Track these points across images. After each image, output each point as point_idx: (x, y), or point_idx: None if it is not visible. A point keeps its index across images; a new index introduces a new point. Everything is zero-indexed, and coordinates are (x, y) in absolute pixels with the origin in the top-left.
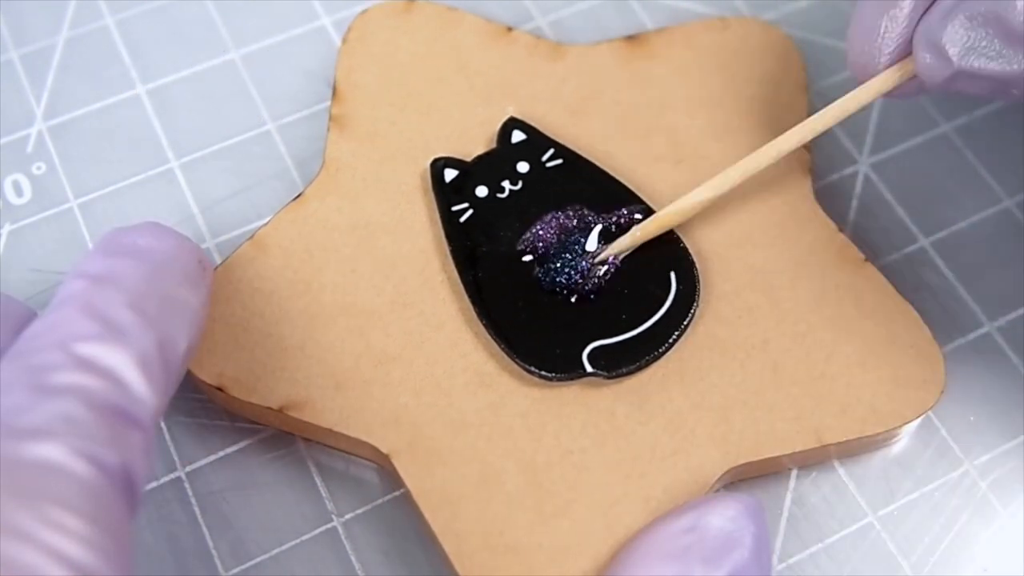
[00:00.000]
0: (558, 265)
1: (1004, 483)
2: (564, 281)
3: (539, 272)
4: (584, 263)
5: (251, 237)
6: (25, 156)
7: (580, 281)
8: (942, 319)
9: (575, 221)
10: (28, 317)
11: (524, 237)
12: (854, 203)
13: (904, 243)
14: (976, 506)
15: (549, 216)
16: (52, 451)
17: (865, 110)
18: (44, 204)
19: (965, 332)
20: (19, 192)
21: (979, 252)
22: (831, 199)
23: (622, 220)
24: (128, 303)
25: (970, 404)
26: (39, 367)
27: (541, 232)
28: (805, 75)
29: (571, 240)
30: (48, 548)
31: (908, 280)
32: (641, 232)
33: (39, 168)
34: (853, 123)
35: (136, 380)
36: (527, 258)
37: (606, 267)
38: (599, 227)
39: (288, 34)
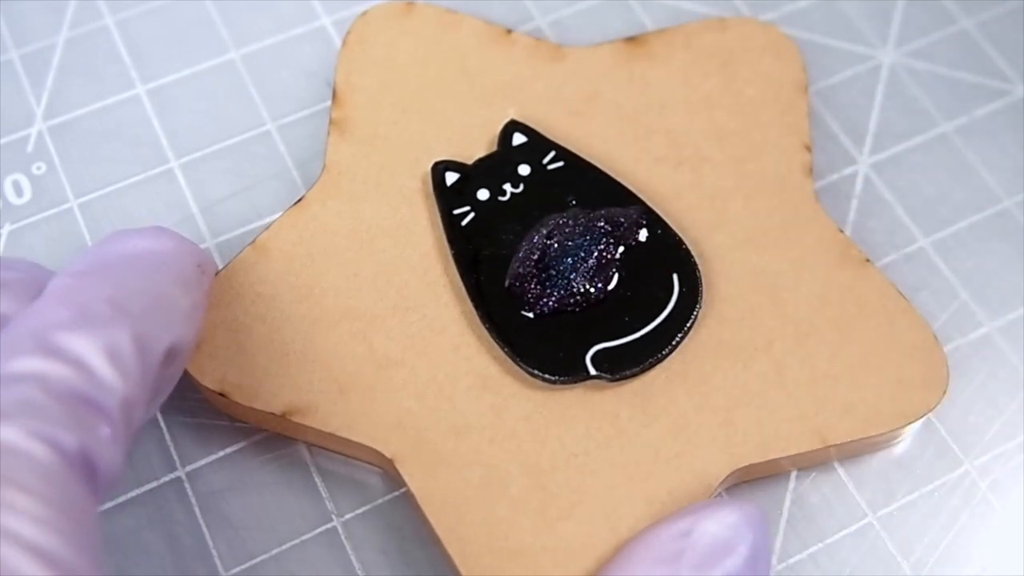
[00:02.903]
0: (547, 300)
1: (1004, 483)
2: (555, 306)
3: (533, 299)
4: (574, 284)
5: (252, 242)
6: (25, 156)
7: (573, 302)
8: (942, 319)
9: (555, 244)
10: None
11: (509, 271)
12: (854, 203)
13: (904, 243)
14: (976, 506)
15: (523, 247)
16: (7, 432)
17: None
18: (44, 204)
19: (965, 332)
20: (19, 192)
21: (979, 252)
22: (831, 199)
23: (621, 222)
24: (105, 296)
25: (970, 404)
26: (8, 351)
27: (520, 271)
28: (805, 76)
29: (555, 267)
30: (1, 528)
31: (908, 280)
32: None
33: (39, 168)
34: (854, 123)
35: (102, 367)
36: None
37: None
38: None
39: (288, 34)
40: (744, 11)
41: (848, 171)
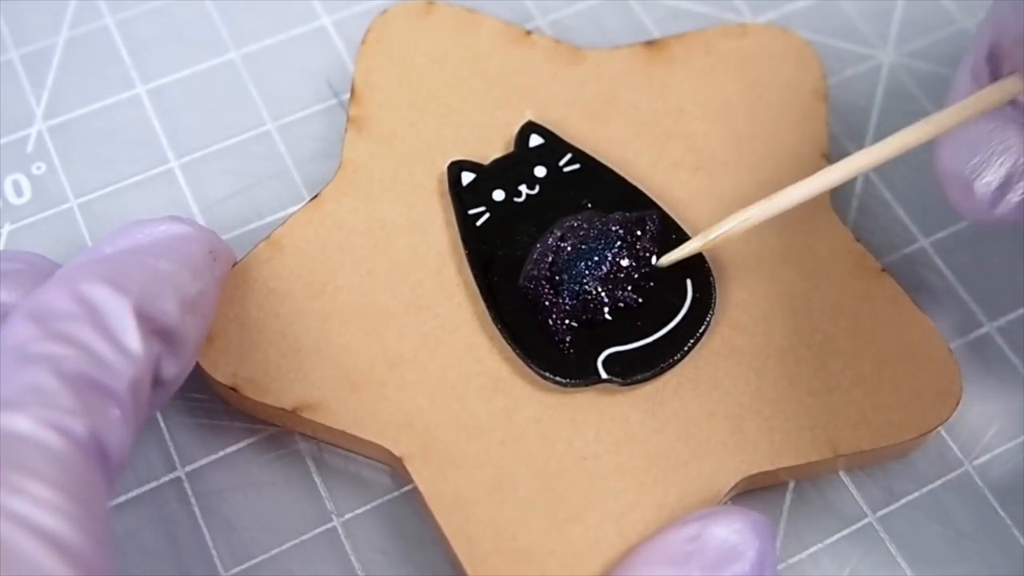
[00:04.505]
0: (566, 318)
1: (1004, 483)
2: (575, 325)
3: (554, 308)
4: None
5: (267, 237)
6: (25, 156)
7: (589, 311)
8: (942, 319)
9: (568, 247)
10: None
11: (522, 273)
12: (854, 203)
13: (904, 243)
14: (975, 506)
15: (536, 249)
16: (17, 421)
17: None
18: (44, 204)
19: (965, 332)
20: (19, 192)
21: (979, 252)
22: (831, 199)
23: (637, 235)
24: (111, 278)
25: (970, 404)
26: (13, 338)
27: (534, 273)
28: (824, 83)
29: (568, 271)
30: (14, 516)
31: (908, 280)
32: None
33: (39, 168)
34: (854, 123)
35: (108, 349)
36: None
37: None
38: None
39: (288, 34)
40: (744, 11)
41: None
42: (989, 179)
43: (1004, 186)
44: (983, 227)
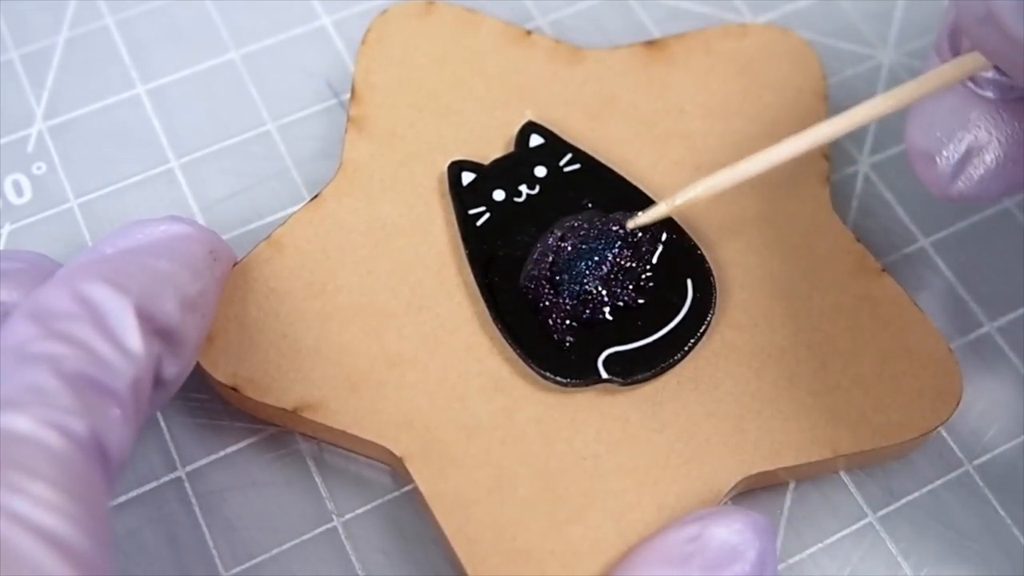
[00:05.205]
0: (565, 319)
1: (1004, 483)
2: (575, 325)
3: (555, 312)
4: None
5: (267, 237)
6: (25, 156)
7: (589, 311)
8: (942, 319)
9: (568, 247)
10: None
11: (522, 273)
12: (854, 203)
13: (904, 243)
14: (975, 506)
15: (537, 249)
16: (18, 421)
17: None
18: (44, 204)
19: (965, 332)
20: (19, 192)
21: (979, 252)
22: (831, 199)
23: (639, 237)
24: (111, 278)
25: (970, 404)
26: (14, 337)
27: (534, 272)
28: (825, 83)
29: (568, 270)
30: (14, 515)
31: (908, 280)
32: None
33: (39, 168)
34: None
35: (109, 349)
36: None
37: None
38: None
39: (288, 34)
40: (744, 11)
41: (848, 171)
42: (949, 153)
43: (964, 160)
44: (950, 202)
